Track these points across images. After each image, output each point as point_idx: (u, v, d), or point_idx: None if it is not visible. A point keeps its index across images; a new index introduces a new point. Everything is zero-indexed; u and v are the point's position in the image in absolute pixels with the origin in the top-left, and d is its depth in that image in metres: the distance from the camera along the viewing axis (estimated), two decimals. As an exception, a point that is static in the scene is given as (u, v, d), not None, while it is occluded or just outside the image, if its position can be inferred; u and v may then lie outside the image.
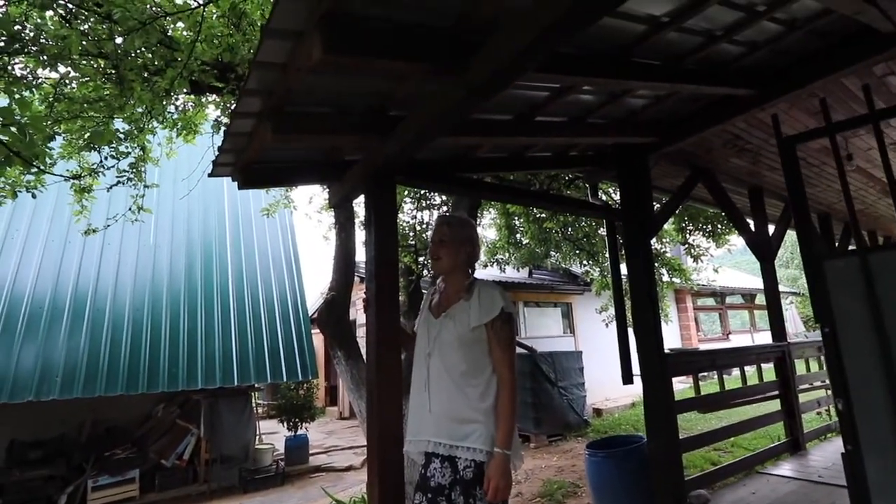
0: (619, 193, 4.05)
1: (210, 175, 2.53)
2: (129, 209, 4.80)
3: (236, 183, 2.50)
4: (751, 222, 5.23)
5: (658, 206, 4.69)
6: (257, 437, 8.07)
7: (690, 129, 3.36)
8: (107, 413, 6.70)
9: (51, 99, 4.13)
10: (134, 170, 4.57)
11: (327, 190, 4.04)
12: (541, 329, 10.01)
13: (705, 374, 6.43)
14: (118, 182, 4.39)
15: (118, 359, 6.24)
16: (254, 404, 7.67)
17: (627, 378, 3.80)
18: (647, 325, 3.51)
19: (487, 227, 9.85)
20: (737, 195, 5.22)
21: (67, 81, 4.24)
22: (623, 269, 4.23)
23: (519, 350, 8.04)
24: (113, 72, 3.94)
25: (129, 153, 4.50)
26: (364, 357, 4.63)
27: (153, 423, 6.90)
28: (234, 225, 8.70)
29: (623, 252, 4.05)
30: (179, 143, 5.35)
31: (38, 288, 6.46)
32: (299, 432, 7.69)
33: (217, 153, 2.34)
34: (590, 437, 7.59)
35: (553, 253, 8.69)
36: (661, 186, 4.80)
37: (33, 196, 3.97)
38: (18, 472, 5.73)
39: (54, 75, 4.30)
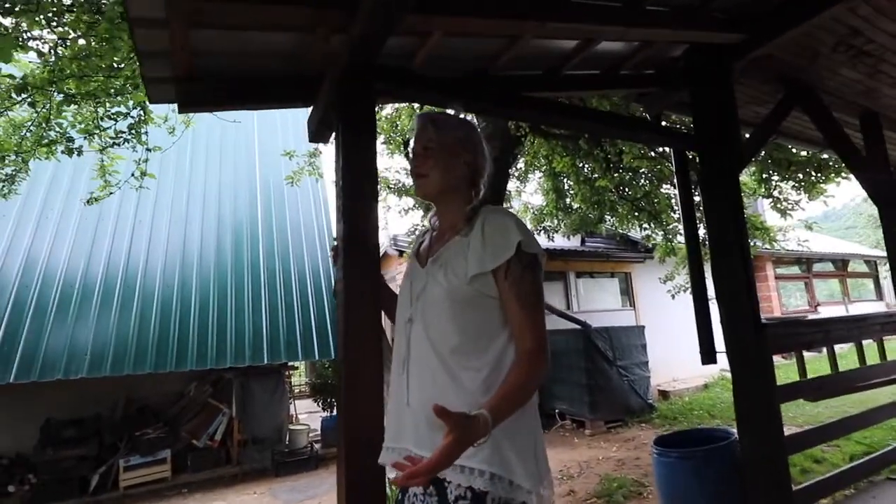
0: (692, 122, 3.13)
1: (150, 101, 1.92)
2: (133, 175, 4.41)
3: (175, 105, 1.87)
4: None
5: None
6: (294, 418, 7.81)
7: (792, 18, 2.42)
8: (140, 392, 6.57)
9: (52, 59, 3.78)
10: (133, 131, 4.14)
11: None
12: (596, 302, 9.08)
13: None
14: (114, 143, 3.97)
15: (147, 337, 6.02)
16: (287, 384, 7.35)
17: (709, 356, 2.93)
18: (737, 289, 2.63)
19: (532, 194, 8.97)
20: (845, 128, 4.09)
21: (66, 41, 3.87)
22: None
23: (570, 325, 7.21)
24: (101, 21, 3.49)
25: (129, 113, 4.08)
26: None
27: (186, 402, 6.72)
28: (266, 198, 8.35)
29: (700, 196, 3.14)
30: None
31: (70, 267, 6.34)
32: (335, 413, 7.31)
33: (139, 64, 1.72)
34: (655, 423, 6.70)
35: (608, 217, 7.69)
36: (743, 119, 3.80)
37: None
38: (52, 451, 5.65)
39: (52, 37, 3.96)
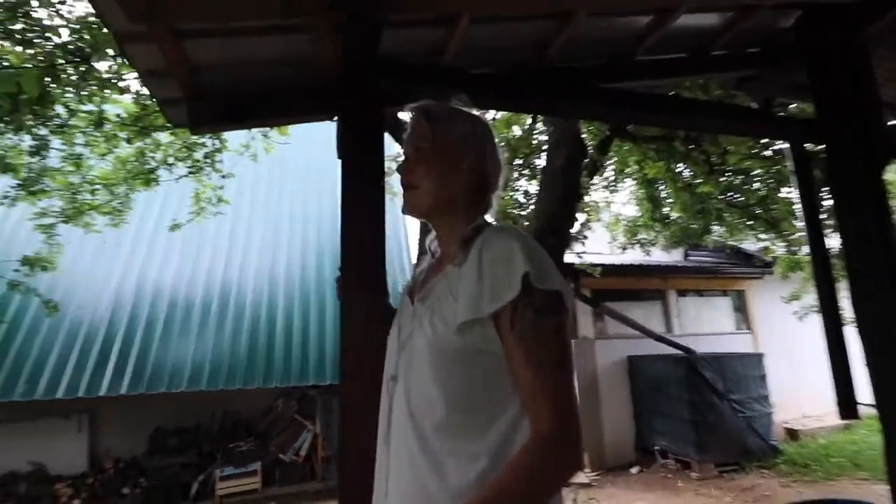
0: (814, 109, 2.49)
1: (170, 123, 1.87)
2: (210, 201, 4.68)
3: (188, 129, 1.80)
4: None
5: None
6: (377, 437, 7.79)
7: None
8: (233, 405, 6.93)
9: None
10: (209, 160, 4.38)
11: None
12: (702, 324, 8.02)
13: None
14: (190, 172, 4.21)
15: (238, 353, 6.35)
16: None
17: (847, 408, 2.25)
18: (885, 315, 1.99)
19: (624, 205, 8.23)
20: None
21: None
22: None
23: (669, 350, 6.38)
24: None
25: (203, 143, 4.32)
26: None
27: (274, 416, 6.97)
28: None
29: (830, 199, 2.49)
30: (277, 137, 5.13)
31: (174, 288, 6.91)
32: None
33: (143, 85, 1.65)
34: (781, 471, 5.64)
35: (715, 227, 6.78)
36: (886, 102, 3.00)
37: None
38: (159, 457, 6.13)
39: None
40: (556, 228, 2.79)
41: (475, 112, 1.09)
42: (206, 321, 6.60)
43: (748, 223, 6.15)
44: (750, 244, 7.72)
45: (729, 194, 6.05)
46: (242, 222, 8.03)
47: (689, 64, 2.36)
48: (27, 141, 4.25)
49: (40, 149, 4.14)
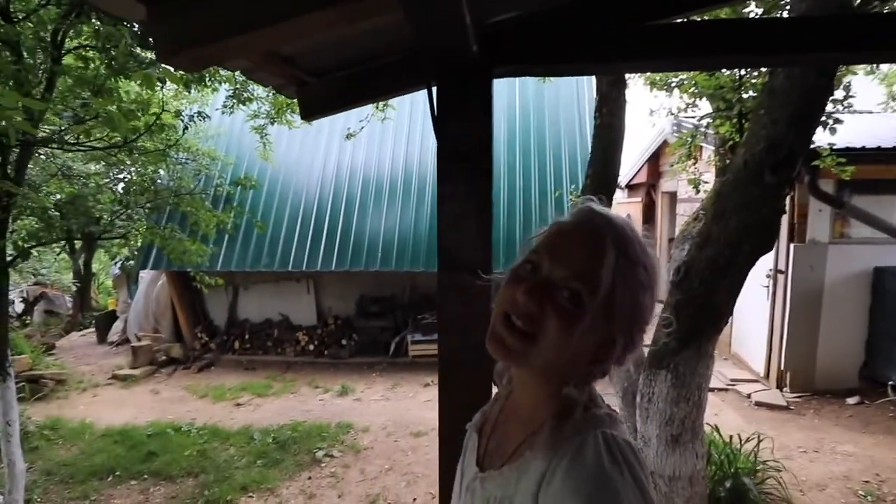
0: None
1: (305, 118, 1.74)
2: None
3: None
4: None
5: None
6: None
7: None
8: (421, 281, 7.74)
9: None
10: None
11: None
12: None
13: None
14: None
15: (420, 236, 6.88)
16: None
17: None
18: None
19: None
20: None
21: None
22: None
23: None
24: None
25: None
26: None
27: (454, 294, 7.61)
28: (540, 113, 7.87)
29: None
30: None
31: (364, 174, 7.54)
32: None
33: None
34: None
35: None
36: None
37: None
38: (364, 319, 7.41)
39: None
40: (777, 162, 2.03)
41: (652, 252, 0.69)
42: (394, 204, 7.18)
43: None
44: None
45: None
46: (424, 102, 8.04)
47: None
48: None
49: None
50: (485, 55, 1.02)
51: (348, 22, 0.95)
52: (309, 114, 1.55)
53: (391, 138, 7.78)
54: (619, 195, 13.88)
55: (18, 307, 11.83)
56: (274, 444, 4.68)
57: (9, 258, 3.60)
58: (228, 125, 7.91)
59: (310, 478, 4.17)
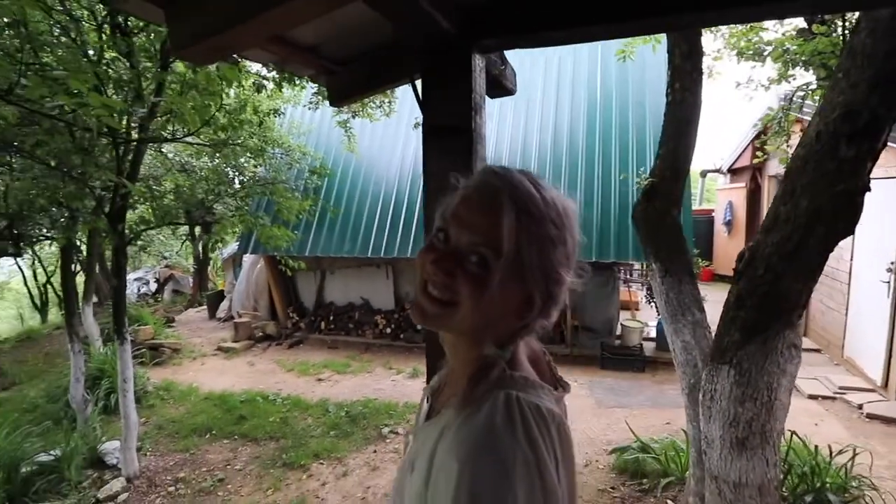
0: None
1: (333, 104, 1.85)
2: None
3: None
4: None
5: None
6: (631, 314, 7.61)
7: None
8: (495, 269, 7.72)
9: None
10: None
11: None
12: None
13: None
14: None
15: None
16: (620, 279, 7.10)
17: None
18: None
19: None
20: None
21: None
22: None
23: None
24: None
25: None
26: (690, 274, 3.23)
27: (528, 283, 7.51)
28: (607, 89, 7.48)
29: None
30: None
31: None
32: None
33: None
34: None
35: None
36: None
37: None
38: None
39: None
40: (855, 131, 1.78)
41: (567, 203, 0.69)
42: (466, 195, 7.23)
43: None
44: None
45: None
46: (523, 100, 7.97)
47: None
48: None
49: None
50: (463, 32, 1.02)
51: (326, 8, 1.01)
52: (336, 99, 1.64)
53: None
54: (721, 180, 12.71)
55: (152, 287, 13.73)
56: (346, 418, 4.99)
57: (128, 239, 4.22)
58: (318, 121, 8.47)
59: (375, 451, 4.41)
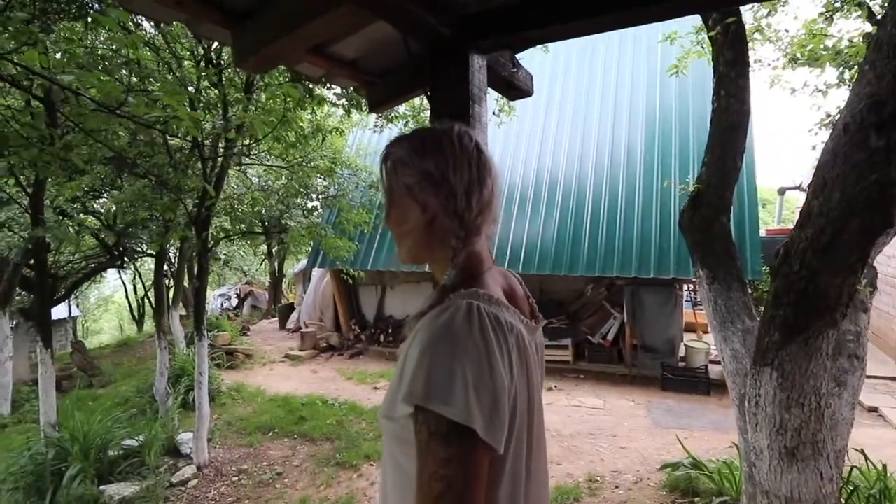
0: None
1: (370, 111, 2.12)
2: (493, 113, 4.92)
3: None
4: None
5: None
6: (698, 336, 7.24)
7: None
8: (551, 285, 7.70)
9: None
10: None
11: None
12: None
13: None
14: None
15: (549, 241, 6.89)
16: (683, 298, 6.80)
17: None
18: None
19: None
20: None
21: None
22: None
23: None
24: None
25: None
26: (740, 281, 3.13)
27: (584, 301, 7.40)
28: (666, 100, 7.37)
29: None
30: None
31: (511, 181, 7.77)
32: (740, 340, 6.26)
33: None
34: None
35: None
36: None
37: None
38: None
39: None
40: (882, 121, 1.76)
41: (440, 130, 0.88)
42: (524, 207, 7.33)
43: None
44: None
45: None
46: (554, 113, 8.11)
47: None
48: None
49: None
50: (459, 36, 1.22)
51: (352, 20, 1.24)
52: (373, 107, 1.89)
53: (524, 147, 7.98)
54: (801, 197, 11.83)
55: (233, 302, 14.89)
56: (398, 423, 5.17)
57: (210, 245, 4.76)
58: (384, 143, 9.00)
59: (422, 455, 4.53)
